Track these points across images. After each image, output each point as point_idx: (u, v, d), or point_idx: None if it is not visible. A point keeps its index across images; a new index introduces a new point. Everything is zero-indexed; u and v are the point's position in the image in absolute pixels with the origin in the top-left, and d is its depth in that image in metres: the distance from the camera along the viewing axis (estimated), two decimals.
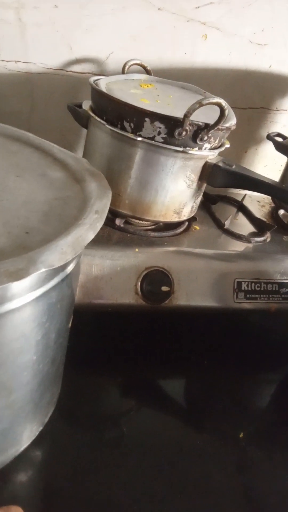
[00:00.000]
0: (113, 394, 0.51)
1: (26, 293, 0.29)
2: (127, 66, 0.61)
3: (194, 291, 0.55)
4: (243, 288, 0.56)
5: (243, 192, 0.74)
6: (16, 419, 0.34)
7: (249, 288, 0.57)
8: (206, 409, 0.51)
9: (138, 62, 0.62)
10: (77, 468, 0.41)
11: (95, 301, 0.51)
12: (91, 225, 0.32)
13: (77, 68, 0.64)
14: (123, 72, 0.61)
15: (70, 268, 0.33)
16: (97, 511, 0.37)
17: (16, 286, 0.28)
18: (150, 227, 0.59)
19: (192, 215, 0.60)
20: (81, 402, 0.47)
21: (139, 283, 0.52)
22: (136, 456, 0.43)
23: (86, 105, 0.54)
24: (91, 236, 0.31)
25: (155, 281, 0.53)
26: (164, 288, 0.53)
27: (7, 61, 0.61)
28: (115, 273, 0.51)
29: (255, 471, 0.44)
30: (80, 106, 0.56)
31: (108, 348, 0.55)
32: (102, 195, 0.36)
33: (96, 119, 0.51)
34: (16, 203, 0.33)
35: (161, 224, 0.59)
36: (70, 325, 0.39)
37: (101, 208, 0.34)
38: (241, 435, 0.47)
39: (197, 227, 0.62)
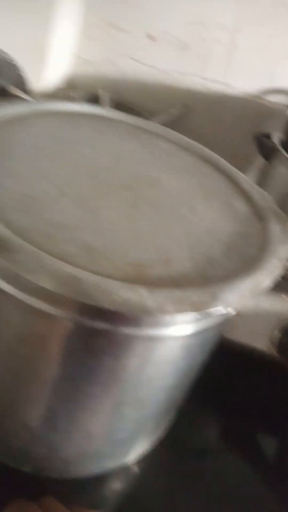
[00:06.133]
0: (222, 435, 0.48)
1: (187, 323, 0.28)
2: None
3: None
4: None
5: None
6: (135, 434, 0.35)
7: None
8: None
9: None
10: (169, 495, 0.39)
11: (227, 336, 0.49)
12: (271, 271, 0.30)
13: (273, 97, 0.62)
14: None
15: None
16: None
17: (182, 316, 0.27)
18: None
19: None
20: (186, 432, 0.46)
21: (276, 332, 0.49)
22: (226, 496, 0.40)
23: (276, 137, 0.53)
24: (267, 283, 0.29)
25: None
26: None
27: (207, 79, 0.62)
28: (256, 315, 0.49)
29: None
30: (267, 136, 0.55)
31: (231, 388, 0.52)
32: (285, 241, 0.34)
33: (284, 155, 0.49)
34: (201, 228, 0.32)
35: None
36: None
37: (283, 255, 0.32)
38: None
39: None
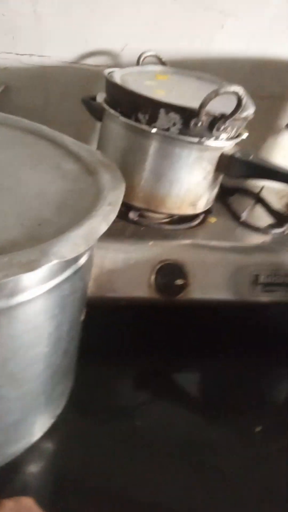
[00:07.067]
0: (127, 387, 0.51)
1: (38, 285, 0.29)
2: (142, 58, 0.60)
3: (209, 284, 0.54)
4: (260, 281, 0.55)
5: (261, 183, 0.73)
6: (28, 411, 0.35)
7: (267, 281, 0.56)
8: (222, 402, 0.51)
9: (153, 53, 0.61)
10: (89, 460, 0.41)
11: (109, 294, 0.51)
12: (104, 216, 0.31)
13: (92, 61, 0.63)
14: (138, 64, 0.60)
15: (82, 260, 0.33)
16: (108, 503, 0.38)
17: (28, 278, 0.28)
18: (164, 220, 0.58)
19: (208, 207, 0.59)
20: (94, 395, 0.47)
21: (153, 277, 0.52)
22: (149, 449, 0.43)
23: (101, 97, 0.54)
24: (104, 228, 0.31)
25: (170, 274, 0.52)
26: (179, 281, 0.52)
27: (22, 54, 0.61)
28: (128, 267, 0.51)
29: (271, 466, 0.44)
30: (94, 98, 0.56)
31: (122, 341, 0.54)
32: (116, 187, 0.35)
33: (110, 111, 0.51)
34: (29, 195, 0.33)
35: (176, 217, 0.58)
36: (83, 318, 0.39)
37: (114, 199, 0.34)
38: (257, 429, 0.47)
39: (213, 220, 0.61)
